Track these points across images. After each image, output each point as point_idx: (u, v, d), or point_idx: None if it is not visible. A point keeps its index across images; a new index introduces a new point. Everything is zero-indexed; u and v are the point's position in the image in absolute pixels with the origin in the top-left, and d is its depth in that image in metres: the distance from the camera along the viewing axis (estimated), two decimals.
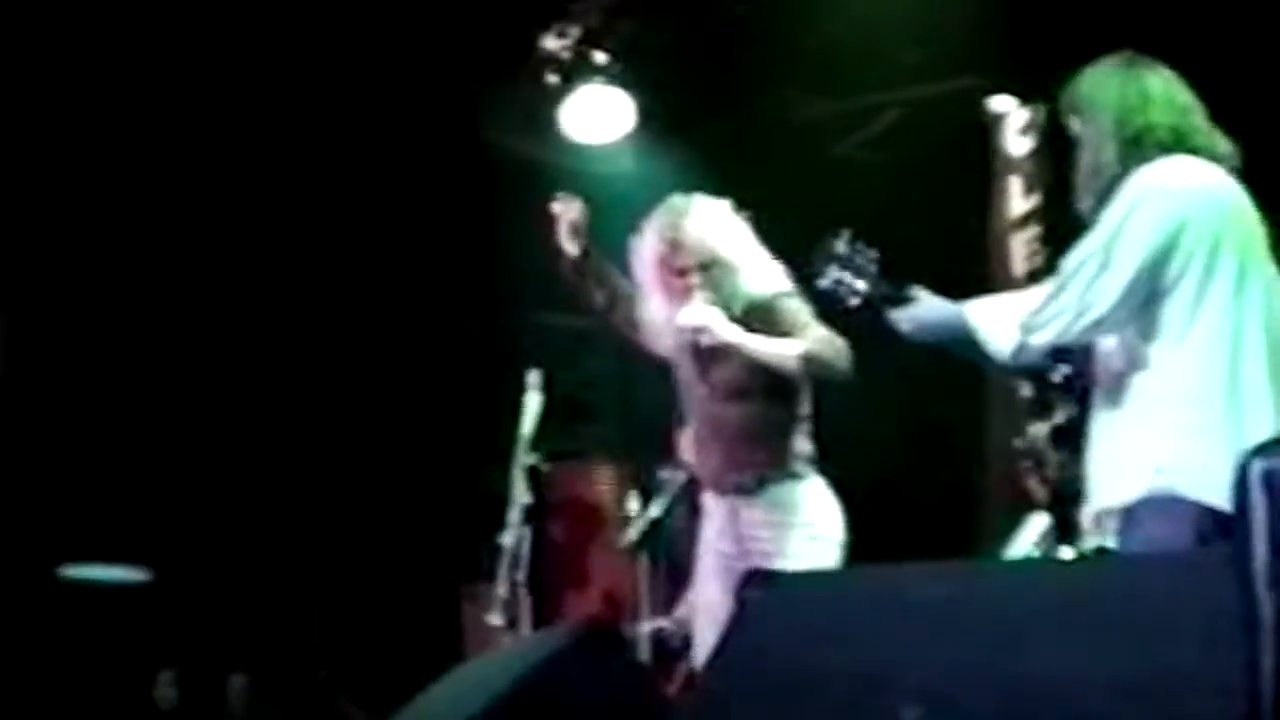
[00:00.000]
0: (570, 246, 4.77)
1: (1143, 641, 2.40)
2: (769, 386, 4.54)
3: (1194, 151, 3.41)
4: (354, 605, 8.66)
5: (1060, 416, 3.52)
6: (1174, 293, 3.28)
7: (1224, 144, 3.48)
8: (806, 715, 2.54)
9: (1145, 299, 3.29)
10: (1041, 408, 3.60)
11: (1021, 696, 2.41)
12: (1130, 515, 3.28)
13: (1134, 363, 3.33)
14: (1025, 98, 7.48)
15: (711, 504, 4.73)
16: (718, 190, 4.84)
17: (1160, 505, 3.21)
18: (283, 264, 8.36)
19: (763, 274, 4.67)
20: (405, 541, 8.70)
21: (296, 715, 8.30)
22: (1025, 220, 7.40)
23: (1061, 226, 7.21)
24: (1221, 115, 3.59)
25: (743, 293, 4.64)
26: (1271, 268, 3.42)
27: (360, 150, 7.99)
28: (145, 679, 8.70)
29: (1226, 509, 3.04)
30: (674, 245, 4.62)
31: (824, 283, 3.77)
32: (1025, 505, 6.48)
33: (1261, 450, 2.48)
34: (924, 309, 3.69)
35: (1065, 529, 5.55)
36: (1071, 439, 3.45)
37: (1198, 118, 3.49)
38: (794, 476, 4.59)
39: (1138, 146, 3.37)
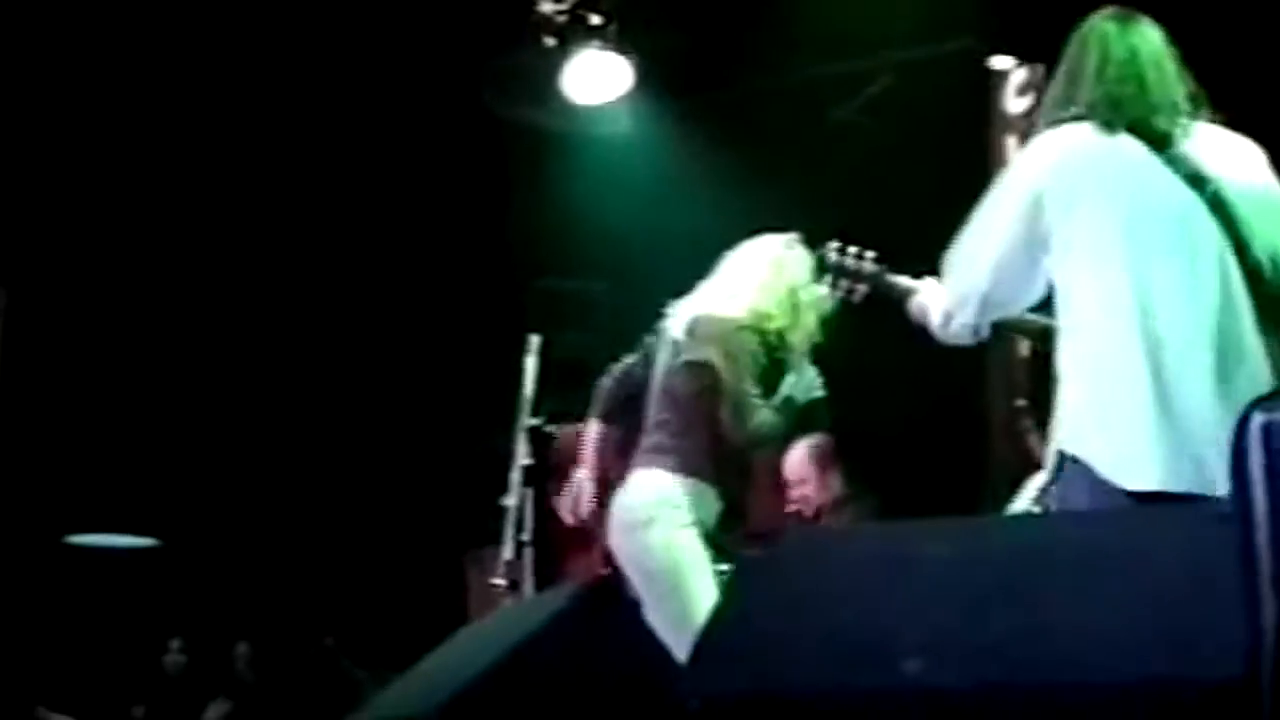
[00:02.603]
0: None
1: (1143, 596, 2.41)
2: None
3: (1133, 125, 3.23)
4: (358, 570, 8.70)
5: None
6: (1064, 262, 3.17)
7: (1169, 121, 3.23)
8: (809, 671, 2.55)
9: (1034, 270, 3.21)
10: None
11: (1023, 651, 2.42)
12: (1052, 475, 3.23)
13: (1062, 325, 3.26)
14: (1024, 57, 7.44)
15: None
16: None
17: (1064, 472, 3.16)
18: (285, 234, 8.37)
19: None
20: (409, 507, 8.73)
21: (302, 680, 8.34)
22: None
23: None
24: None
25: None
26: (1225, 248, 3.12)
27: (363, 119, 7.98)
28: (154, 645, 8.74)
29: (1120, 485, 3.02)
30: None
31: (836, 292, 3.85)
32: (1028, 466, 6.51)
33: (1260, 403, 2.47)
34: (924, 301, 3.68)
35: None
36: None
37: (1151, 89, 3.28)
38: None
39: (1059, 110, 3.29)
